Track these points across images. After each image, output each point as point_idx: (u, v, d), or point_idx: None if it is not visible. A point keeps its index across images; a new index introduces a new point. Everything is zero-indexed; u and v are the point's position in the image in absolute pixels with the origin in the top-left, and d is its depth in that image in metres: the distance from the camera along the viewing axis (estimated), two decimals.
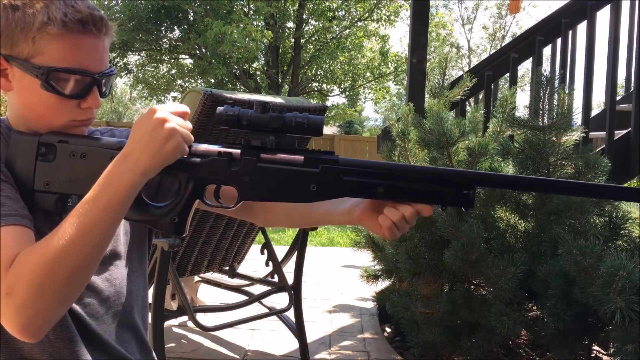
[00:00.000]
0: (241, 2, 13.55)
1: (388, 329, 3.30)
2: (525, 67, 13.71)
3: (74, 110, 0.90)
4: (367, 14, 14.96)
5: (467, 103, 3.63)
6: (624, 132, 3.14)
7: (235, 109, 0.84)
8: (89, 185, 0.85)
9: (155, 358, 1.08)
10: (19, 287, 0.75)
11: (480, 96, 3.71)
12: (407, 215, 0.84)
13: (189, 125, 0.83)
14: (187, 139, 0.82)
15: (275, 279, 2.69)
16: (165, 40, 15.03)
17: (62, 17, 0.85)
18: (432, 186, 0.84)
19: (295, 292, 2.67)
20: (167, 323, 2.79)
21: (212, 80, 14.43)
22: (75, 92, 0.88)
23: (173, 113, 0.81)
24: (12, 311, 0.75)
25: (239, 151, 0.86)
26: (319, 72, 15.61)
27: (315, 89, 16.19)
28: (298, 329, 2.67)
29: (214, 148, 0.87)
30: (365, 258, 3.28)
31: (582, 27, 3.36)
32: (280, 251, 2.78)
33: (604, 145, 3.14)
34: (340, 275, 4.71)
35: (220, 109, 0.84)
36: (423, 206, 0.85)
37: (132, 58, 16.07)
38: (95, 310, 0.95)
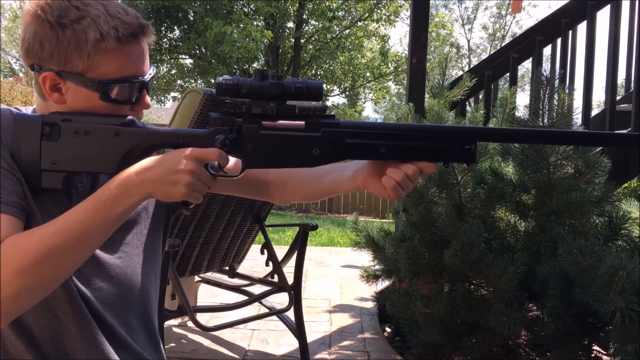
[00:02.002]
0: (241, 2, 13.54)
1: (388, 329, 3.30)
2: (525, 67, 13.73)
3: (128, 113, 0.93)
4: (367, 14, 14.94)
5: (467, 103, 3.63)
6: (624, 132, 3.14)
7: (235, 78, 0.84)
8: (95, 162, 0.88)
9: (164, 354, 1.08)
10: None
11: (480, 96, 3.72)
12: (410, 174, 0.86)
13: (211, 180, 0.85)
14: (201, 191, 0.84)
15: (275, 279, 2.69)
16: (165, 40, 15.01)
17: (115, 33, 0.87)
18: (433, 143, 0.85)
19: (295, 292, 2.67)
20: (167, 323, 2.79)
21: (212, 80, 14.42)
22: (128, 98, 0.92)
23: (206, 158, 0.84)
24: None
25: (240, 120, 0.86)
26: (319, 72, 15.60)
27: None
28: (298, 329, 2.67)
29: (215, 117, 0.88)
30: (365, 258, 3.28)
31: (582, 27, 3.36)
32: (280, 251, 2.78)
33: None
34: (340, 275, 4.71)
35: (219, 79, 0.85)
36: (426, 164, 0.86)
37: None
38: (105, 294, 0.95)
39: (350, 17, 15.29)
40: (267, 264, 2.70)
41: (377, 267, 2.89)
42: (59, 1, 0.86)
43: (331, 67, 15.21)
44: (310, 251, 5.07)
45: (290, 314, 2.71)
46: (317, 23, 15.03)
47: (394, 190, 0.86)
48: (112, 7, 0.88)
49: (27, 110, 0.97)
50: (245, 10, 13.48)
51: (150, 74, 0.95)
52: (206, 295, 3.71)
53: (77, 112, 0.90)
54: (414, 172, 0.86)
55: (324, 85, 15.93)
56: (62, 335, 0.91)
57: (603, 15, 3.32)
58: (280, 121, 0.86)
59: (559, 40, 3.53)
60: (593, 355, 2.27)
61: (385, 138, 0.85)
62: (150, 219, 1.05)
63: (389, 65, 15.34)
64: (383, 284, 2.99)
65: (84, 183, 0.94)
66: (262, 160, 0.87)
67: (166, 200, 0.84)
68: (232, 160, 0.93)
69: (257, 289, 2.80)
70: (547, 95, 2.26)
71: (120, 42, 0.87)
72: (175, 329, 3.15)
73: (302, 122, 0.86)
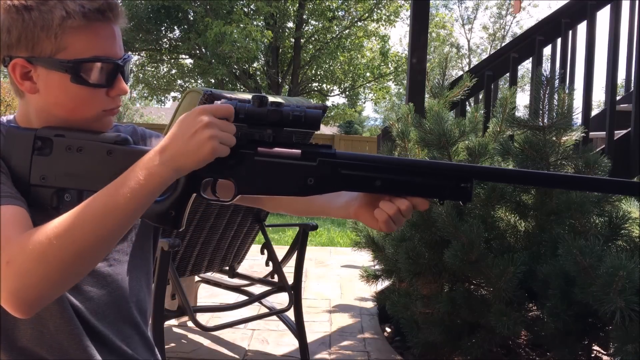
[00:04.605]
0: (241, 2, 13.53)
1: (388, 329, 3.30)
2: (525, 67, 13.73)
3: (104, 99, 0.91)
4: (367, 14, 14.94)
5: (467, 103, 3.63)
6: (624, 132, 3.14)
7: (232, 103, 0.83)
8: (85, 179, 0.85)
9: (159, 357, 1.08)
10: (21, 255, 0.74)
11: (480, 96, 3.71)
12: (403, 209, 0.84)
13: (233, 128, 0.82)
14: (228, 142, 0.81)
15: (275, 279, 2.69)
16: (165, 40, 15.00)
17: (81, 9, 0.85)
18: (429, 180, 0.84)
19: (295, 292, 2.67)
20: (167, 323, 2.79)
21: (212, 80, 14.42)
22: (102, 81, 0.89)
23: (218, 114, 0.80)
24: (9, 279, 0.73)
25: (236, 145, 0.85)
26: (319, 72, 15.59)
27: (315, 89, 16.18)
28: (298, 329, 2.67)
29: None
30: (365, 258, 3.28)
31: (582, 27, 3.36)
32: (280, 251, 2.78)
33: (604, 145, 3.14)
34: (340, 275, 4.71)
35: (217, 102, 0.83)
36: (419, 200, 0.85)
37: (132, 58, 16.05)
38: (96, 304, 0.95)
39: (350, 17, 15.29)
40: (267, 264, 2.70)
41: (377, 267, 2.89)
42: None
43: (331, 67, 15.19)
44: (310, 251, 5.06)
45: (290, 314, 2.71)
46: (317, 23, 15.02)
47: (386, 224, 0.85)
48: None
49: (8, 118, 0.95)
50: (245, 10, 13.47)
51: (125, 58, 0.92)
52: (206, 295, 3.71)
53: (71, 128, 0.88)
54: (407, 208, 0.84)
55: (324, 86, 15.96)
56: (53, 348, 0.90)
57: (603, 15, 3.33)
58: (277, 148, 0.85)
59: (559, 40, 3.53)
60: (593, 355, 2.27)
61: (381, 171, 0.84)
62: (139, 225, 1.04)
63: (389, 65, 15.33)
64: (383, 284, 2.99)
65: (71, 193, 0.92)
66: (256, 187, 0.86)
67: (198, 165, 0.80)
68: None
69: (257, 289, 2.80)
70: (547, 95, 2.26)
71: (86, 17, 0.85)
72: (175, 329, 3.15)
73: (299, 151, 0.85)
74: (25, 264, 0.74)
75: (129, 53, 0.94)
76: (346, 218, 0.96)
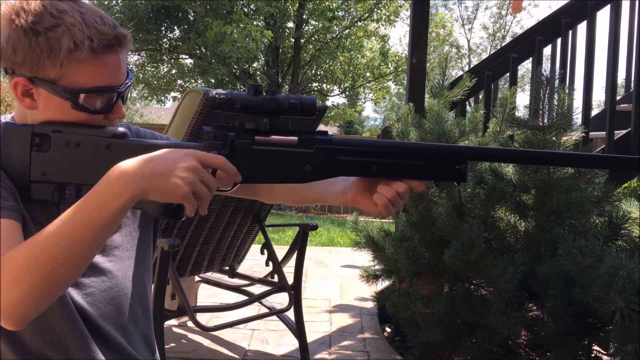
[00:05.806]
0: (241, 2, 13.53)
1: (388, 329, 3.30)
2: (525, 67, 13.73)
3: (101, 122, 0.92)
4: (367, 14, 14.93)
5: (467, 103, 3.63)
6: (624, 132, 3.15)
7: (228, 92, 0.84)
8: (85, 174, 0.86)
9: (158, 357, 1.08)
10: (6, 273, 0.75)
11: (480, 96, 3.71)
12: (400, 192, 0.86)
13: (214, 181, 0.80)
14: (203, 194, 0.79)
15: (275, 279, 2.69)
16: (165, 40, 14.98)
17: (90, 43, 0.85)
18: (425, 162, 0.86)
19: (295, 292, 2.67)
20: (167, 323, 2.79)
21: (212, 80, 14.40)
22: (102, 107, 0.90)
23: (207, 162, 0.79)
24: None
25: (233, 134, 0.86)
26: (319, 72, 15.57)
27: (315, 89, 16.16)
28: (298, 329, 2.67)
29: (208, 130, 0.87)
30: (365, 258, 3.28)
31: (582, 27, 3.36)
32: (280, 251, 2.78)
33: (604, 145, 3.14)
34: (340, 275, 4.71)
35: (212, 92, 0.84)
36: (416, 182, 0.87)
37: (132, 58, 16.05)
38: (97, 300, 0.95)
39: (350, 17, 15.28)
40: (267, 264, 2.71)
41: (377, 267, 2.89)
42: (34, 7, 0.84)
43: (331, 67, 15.18)
44: (310, 251, 5.07)
45: (290, 314, 2.71)
46: (317, 23, 15.01)
47: (386, 207, 0.87)
48: (89, 16, 0.86)
49: (7, 118, 0.95)
50: (245, 10, 13.47)
51: (126, 83, 0.92)
52: (206, 295, 3.71)
53: (68, 123, 0.89)
54: (405, 190, 0.86)
55: (324, 86, 15.95)
56: (54, 344, 0.90)
57: (603, 15, 3.33)
58: (274, 136, 0.86)
59: (559, 40, 3.53)
60: (593, 355, 2.27)
61: (377, 156, 0.86)
62: (139, 220, 1.05)
63: (389, 65, 15.31)
64: (383, 284, 2.99)
65: (70, 191, 0.92)
66: (254, 175, 0.86)
67: (162, 199, 0.77)
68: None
69: (257, 289, 2.80)
70: (547, 95, 2.26)
71: (94, 52, 0.85)
72: (175, 329, 3.15)
73: (295, 138, 0.86)
74: (10, 281, 0.75)
75: (130, 75, 0.94)
76: (343, 204, 0.97)
